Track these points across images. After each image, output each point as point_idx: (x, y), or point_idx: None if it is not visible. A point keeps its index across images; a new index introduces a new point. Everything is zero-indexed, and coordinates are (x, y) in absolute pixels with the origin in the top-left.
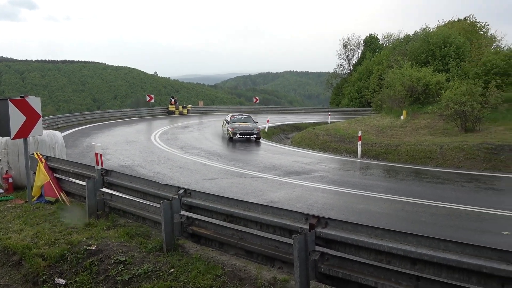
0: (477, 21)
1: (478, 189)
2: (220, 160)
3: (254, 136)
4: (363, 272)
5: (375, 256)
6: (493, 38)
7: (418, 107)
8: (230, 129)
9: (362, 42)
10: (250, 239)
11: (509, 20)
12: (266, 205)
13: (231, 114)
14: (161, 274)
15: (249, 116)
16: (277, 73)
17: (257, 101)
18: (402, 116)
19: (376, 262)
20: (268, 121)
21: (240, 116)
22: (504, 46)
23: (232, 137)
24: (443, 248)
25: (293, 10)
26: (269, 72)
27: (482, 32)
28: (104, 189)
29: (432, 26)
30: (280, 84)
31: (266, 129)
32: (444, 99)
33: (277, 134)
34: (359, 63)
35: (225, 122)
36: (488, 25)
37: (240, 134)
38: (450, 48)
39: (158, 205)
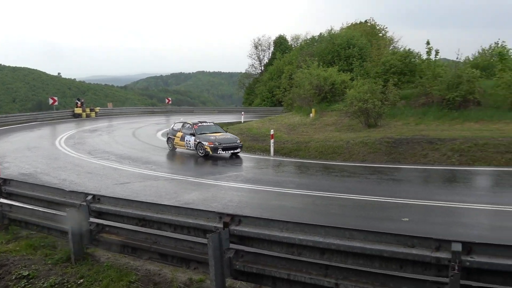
0: (377, 23)
1: (380, 180)
2: (132, 163)
3: (239, 149)
4: (276, 266)
5: (287, 249)
6: (391, 40)
7: (325, 105)
8: (205, 143)
9: (272, 42)
10: (164, 242)
11: (404, 24)
12: (180, 207)
13: (190, 122)
14: (69, 286)
15: (215, 124)
16: (189, 73)
17: (170, 102)
18: (311, 114)
19: (288, 254)
20: None
21: (205, 123)
22: (401, 48)
23: (210, 154)
24: (349, 236)
25: (204, 10)
26: (181, 72)
27: (381, 34)
28: (2, 200)
29: (337, 28)
30: (193, 85)
31: None
32: (349, 97)
33: None
34: (270, 63)
35: (182, 133)
36: (386, 27)
37: (224, 149)
38: (354, 49)
39: (65, 214)
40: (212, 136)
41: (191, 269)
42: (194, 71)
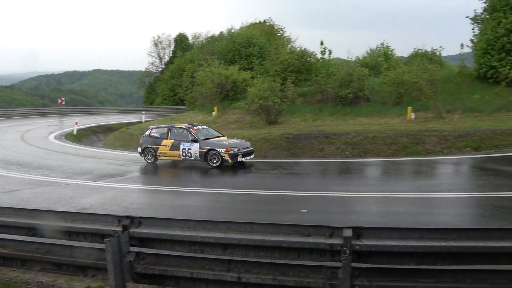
0: (275, 24)
1: (281, 175)
2: (21, 169)
3: (253, 155)
4: (179, 265)
5: (189, 248)
6: (288, 39)
7: (227, 103)
8: (221, 149)
9: (172, 40)
10: (58, 251)
11: (301, 24)
12: (75, 212)
13: (183, 126)
14: None
15: (207, 127)
16: (85, 71)
17: (63, 102)
18: (213, 112)
19: (190, 253)
20: (76, 123)
21: (200, 126)
22: (298, 47)
23: (229, 163)
24: (249, 230)
25: (99, 4)
26: (75, 71)
27: (279, 34)
28: None
29: (237, 27)
30: (89, 84)
31: (75, 132)
32: (250, 95)
33: (87, 136)
34: (171, 61)
35: (174, 141)
36: (284, 28)
37: (243, 156)
38: (254, 48)
39: None
40: (224, 141)
41: (88, 276)
42: (90, 69)
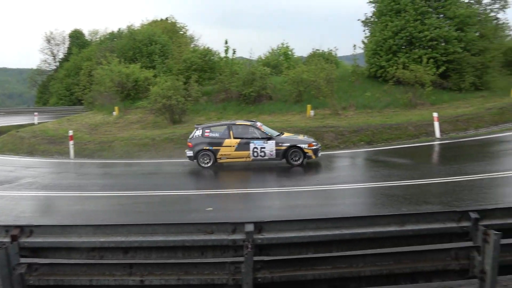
0: (177, 21)
1: (186, 174)
2: None
3: None
4: (77, 273)
5: (87, 254)
6: (191, 38)
7: (129, 102)
8: (304, 145)
9: (67, 37)
10: None
11: (203, 23)
12: None
13: (246, 123)
14: None
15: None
16: None
17: None
18: (114, 112)
19: (89, 259)
20: None
21: (260, 123)
22: (201, 46)
23: (312, 158)
24: (151, 232)
25: None
26: None
27: (182, 32)
28: None
29: (137, 24)
30: None
31: None
32: (153, 94)
33: None
34: (66, 59)
35: (239, 140)
36: (186, 26)
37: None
38: (156, 46)
39: None
40: (299, 137)
41: None
42: None
